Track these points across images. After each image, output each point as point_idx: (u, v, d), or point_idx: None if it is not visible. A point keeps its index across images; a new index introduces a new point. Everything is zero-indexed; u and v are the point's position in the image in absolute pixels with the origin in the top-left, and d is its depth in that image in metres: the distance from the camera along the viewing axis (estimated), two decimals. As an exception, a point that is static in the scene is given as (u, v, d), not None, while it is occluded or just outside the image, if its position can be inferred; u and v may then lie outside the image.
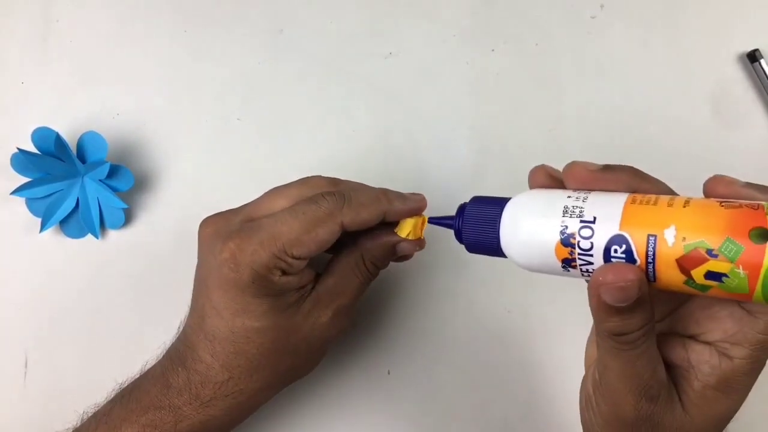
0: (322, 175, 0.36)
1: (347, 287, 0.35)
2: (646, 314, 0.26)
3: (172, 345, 0.36)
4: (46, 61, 0.46)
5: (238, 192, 0.45)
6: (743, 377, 0.26)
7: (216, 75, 0.46)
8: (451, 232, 0.33)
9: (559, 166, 0.45)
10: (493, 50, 0.47)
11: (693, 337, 0.28)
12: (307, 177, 0.36)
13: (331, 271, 0.35)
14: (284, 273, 0.33)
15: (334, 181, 0.36)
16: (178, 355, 0.34)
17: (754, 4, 0.47)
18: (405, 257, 0.37)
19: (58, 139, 0.41)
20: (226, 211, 0.35)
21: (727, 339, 0.26)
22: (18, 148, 0.42)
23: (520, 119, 0.46)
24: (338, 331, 0.36)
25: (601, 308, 0.26)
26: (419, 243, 0.36)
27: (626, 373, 0.27)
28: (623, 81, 0.46)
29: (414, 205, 0.35)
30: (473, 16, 0.47)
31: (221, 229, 0.34)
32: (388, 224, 0.35)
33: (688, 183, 0.45)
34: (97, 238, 0.44)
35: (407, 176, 0.45)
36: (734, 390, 0.27)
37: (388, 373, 0.43)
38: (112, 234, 0.45)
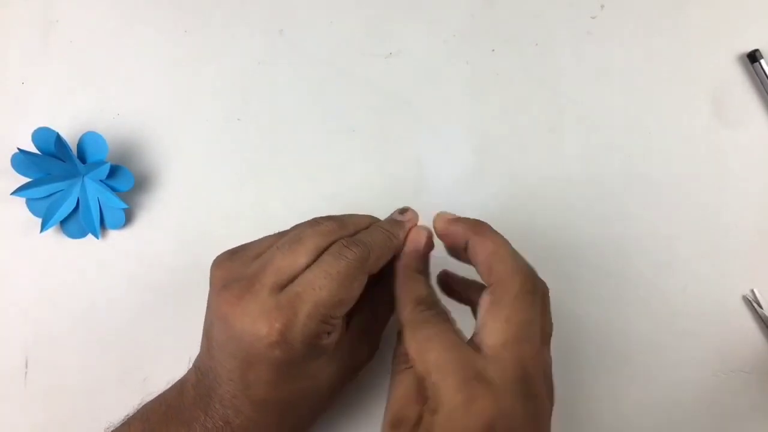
0: (323, 216, 0.35)
1: (357, 358, 0.36)
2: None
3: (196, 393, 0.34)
4: (46, 61, 0.46)
5: (238, 192, 0.45)
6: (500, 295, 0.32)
7: (216, 75, 0.46)
8: None
9: (559, 166, 0.45)
10: (493, 50, 0.47)
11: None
12: (315, 221, 0.34)
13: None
14: (329, 333, 0.32)
15: (341, 222, 0.34)
16: (198, 386, 0.33)
17: (754, 4, 0.47)
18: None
19: (59, 140, 0.41)
20: (238, 253, 0.34)
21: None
22: (18, 148, 0.42)
23: (520, 119, 0.46)
24: (345, 381, 0.36)
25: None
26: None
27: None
28: (623, 81, 0.46)
29: (408, 224, 0.36)
30: (473, 16, 0.47)
31: (250, 303, 0.31)
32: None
33: (689, 182, 0.45)
34: (97, 238, 0.44)
35: (407, 177, 0.45)
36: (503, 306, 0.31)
37: (389, 373, 0.43)
38: (112, 234, 0.45)
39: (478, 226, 0.34)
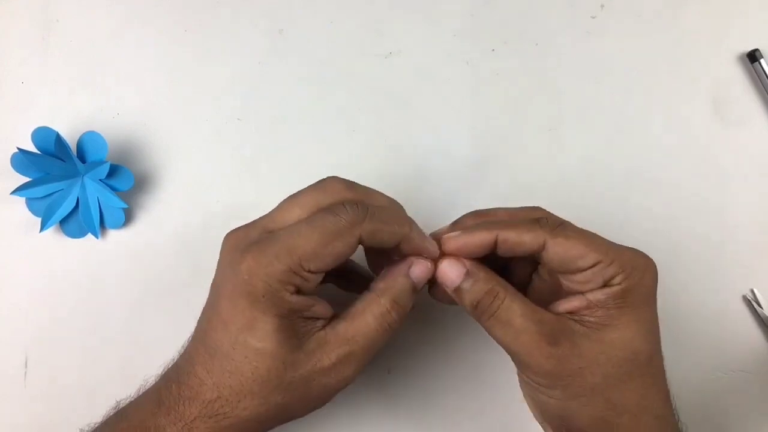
0: (336, 176, 0.34)
1: (359, 333, 0.32)
2: (482, 282, 0.33)
3: (173, 361, 0.35)
4: (46, 61, 0.46)
5: (238, 192, 0.45)
6: (634, 290, 0.32)
7: (216, 75, 0.46)
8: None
9: (559, 165, 0.45)
10: (493, 50, 0.47)
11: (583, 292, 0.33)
12: (324, 179, 0.34)
13: (345, 315, 0.33)
14: (298, 291, 0.31)
15: (352, 185, 0.34)
16: (176, 370, 0.34)
17: (754, 4, 0.47)
18: (441, 296, 0.35)
19: (58, 139, 0.41)
20: (247, 224, 0.34)
21: (601, 282, 0.32)
22: (18, 148, 0.42)
23: (520, 119, 0.46)
24: (340, 381, 0.33)
25: (455, 296, 0.34)
26: (432, 265, 0.34)
27: (513, 332, 0.32)
28: (623, 81, 0.46)
29: (430, 249, 0.33)
30: (473, 16, 0.47)
31: (240, 242, 0.32)
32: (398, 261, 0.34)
33: (688, 182, 0.45)
34: (97, 238, 0.44)
35: (407, 176, 0.45)
36: (635, 304, 0.32)
37: (388, 373, 0.43)
38: (112, 234, 0.45)
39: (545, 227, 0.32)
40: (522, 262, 0.36)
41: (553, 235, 0.32)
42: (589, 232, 0.33)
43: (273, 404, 0.32)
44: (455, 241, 0.33)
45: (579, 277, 0.32)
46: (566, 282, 0.33)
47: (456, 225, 0.35)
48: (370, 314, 0.33)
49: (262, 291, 0.30)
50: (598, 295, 0.32)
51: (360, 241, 0.32)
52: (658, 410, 0.33)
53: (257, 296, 0.30)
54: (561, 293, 0.34)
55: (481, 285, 0.32)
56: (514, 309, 0.32)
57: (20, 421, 0.43)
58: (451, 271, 0.33)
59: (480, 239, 0.33)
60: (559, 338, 0.31)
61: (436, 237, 0.34)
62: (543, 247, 0.32)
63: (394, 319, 0.33)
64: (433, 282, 0.34)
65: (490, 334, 0.33)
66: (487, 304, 0.32)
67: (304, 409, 0.34)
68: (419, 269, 0.34)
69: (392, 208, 0.34)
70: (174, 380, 0.33)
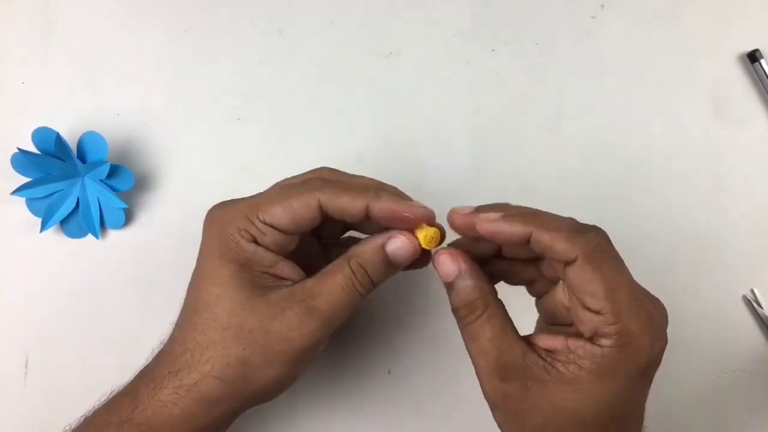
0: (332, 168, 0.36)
1: (326, 290, 0.32)
2: (467, 291, 0.32)
3: None
4: (46, 61, 0.46)
5: (238, 192, 0.45)
6: (615, 363, 0.29)
7: (216, 75, 0.46)
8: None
9: (559, 165, 0.45)
10: (493, 50, 0.47)
11: (576, 330, 0.31)
12: (316, 168, 0.35)
13: (316, 274, 0.33)
14: (254, 241, 0.32)
15: (334, 170, 0.35)
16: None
17: (754, 4, 0.47)
18: (411, 266, 0.34)
19: (59, 139, 0.41)
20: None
21: (594, 331, 0.29)
22: (18, 148, 0.42)
23: (520, 119, 0.46)
24: (303, 337, 0.31)
25: (446, 286, 0.33)
26: (416, 252, 0.33)
27: (476, 350, 0.31)
28: (623, 81, 0.46)
29: (405, 208, 0.32)
30: (473, 16, 0.47)
31: (218, 204, 0.34)
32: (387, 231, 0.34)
33: (688, 182, 0.45)
34: (97, 238, 0.44)
35: (407, 176, 0.45)
36: (607, 376, 0.29)
37: (389, 373, 0.43)
38: (112, 234, 0.45)
39: (570, 233, 0.30)
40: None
41: (588, 258, 0.29)
42: (622, 280, 0.30)
43: (234, 357, 0.31)
44: (489, 225, 0.31)
45: (580, 312, 0.30)
46: (573, 308, 0.31)
47: (487, 209, 0.33)
48: (339, 274, 0.32)
49: (218, 236, 0.32)
50: (579, 349, 0.30)
51: (322, 210, 0.32)
52: None
53: (216, 241, 0.32)
54: (569, 317, 0.33)
55: (465, 293, 0.32)
56: (485, 330, 0.31)
57: (20, 422, 0.43)
58: (445, 266, 0.33)
59: (515, 231, 0.30)
60: (511, 376, 0.30)
61: (458, 212, 0.33)
62: (573, 261, 0.29)
63: (359, 283, 0.33)
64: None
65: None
66: (464, 315, 0.32)
67: (267, 371, 0.32)
68: (395, 243, 0.33)
69: (362, 178, 0.34)
70: (158, 347, 0.34)
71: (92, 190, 0.44)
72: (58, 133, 0.41)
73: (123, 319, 0.44)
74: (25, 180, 0.43)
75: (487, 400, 0.32)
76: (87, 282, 0.44)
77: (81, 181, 0.44)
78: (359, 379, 0.43)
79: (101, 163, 0.42)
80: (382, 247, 0.33)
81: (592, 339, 0.30)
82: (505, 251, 0.34)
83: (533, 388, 0.30)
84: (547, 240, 0.30)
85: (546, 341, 0.31)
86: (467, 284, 0.32)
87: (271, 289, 0.32)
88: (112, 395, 0.35)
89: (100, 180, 0.43)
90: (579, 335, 0.30)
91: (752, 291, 0.44)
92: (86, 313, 0.44)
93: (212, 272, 0.32)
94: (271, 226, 0.32)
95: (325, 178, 0.33)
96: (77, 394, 0.43)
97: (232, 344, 0.31)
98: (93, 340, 0.43)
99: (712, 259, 0.44)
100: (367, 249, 0.33)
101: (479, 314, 0.31)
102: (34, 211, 0.44)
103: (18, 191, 0.43)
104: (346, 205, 0.32)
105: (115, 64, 0.46)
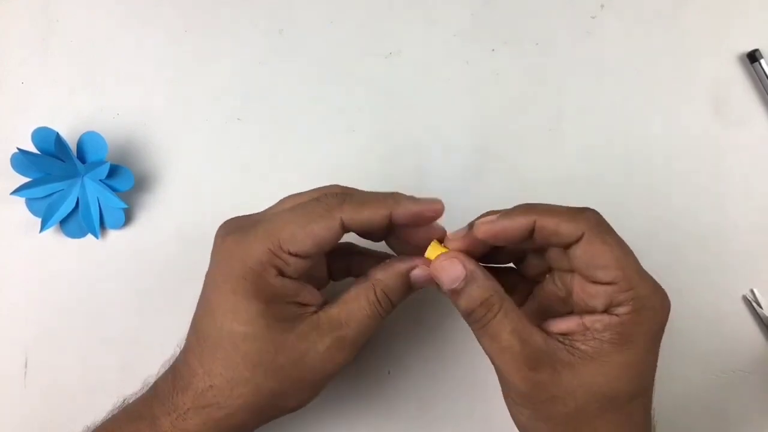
0: (332, 182, 0.35)
1: (352, 318, 0.32)
2: (480, 290, 0.31)
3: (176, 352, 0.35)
4: (46, 61, 0.46)
5: (238, 192, 0.45)
6: (634, 328, 0.30)
7: (216, 75, 0.46)
8: None
9: (559, 165, 0.45)
10: (493, 50, 0.47)
11: (585, 310, 0.32)
12: (324, 186, 0.34)
13: (338, 300, 0.33)
14: (280, 273, 0.31)
15: (346, 187, 0.34)
16: (174, 360, 0.34)
17: (754, 4, 0.47)
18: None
19: (58, 139, 0.41)
20: (242, 215, 0.35)
21: (609, 302, 0.30)
22: (18, 148, 0.42)
23: (520, 119, 0.46)
24: (334, 366, 0.32)
25: (450, 295, 0.32)
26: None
27: (498, 347, 0.30)
28: (623, 81, 0.46)
29: (426, 206, 0.32)
30: (473, 16, 0.47)
31: (228, 228, 0.33)
32: (405, 255, 0.34)
33: (688, 182, 0.45)
34: (97, 238, 0.44)
35: (407, 176, 0.45)
36: (629, 342, 0.30)
37: (388, 373, 0.43)
38: (112, 234, 0.45)
39: (574, 213, 0.31)
40: (536, 261, 0.35)
41: (594, 232, 0.30)
42: (627, 249, 0.31)
43: (266, 391, 0.32)
44: (491, 226, 0.31)
45: (590, 288, 0.31)
46: (578, 291, 0.32)
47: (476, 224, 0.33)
48: (365, 301, 0.33)
49: (242, 272, 0.30)
50: (596, 323, 0.30)
51: (344, 227, 0.31)
52: None
53: (238, 278, 0.31)
54: (565, 306, 0.33)
55: (478, 293, 0.31)
56: (504, 324, 0.30)
57: (20, 421, 0.43)
58: (450, 271, 0.31)
59: (518, 224, 0.31)
60: (540, 364, 0.30)
61: (454, 238, 0.33)
62: (579, 239, 0.30)
63: (384, 309, 0.33)
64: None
65: (477, 339, 0.32)
66: (481, 315, 0.31)
67: (298, 397, 0.33)
68: (421, 274, 0.33)
69: (375, 192, 0.33)
70: (170, 370, 0.33)
71: (92, 190, 0.44)
72: (57, 133, 0.41)
73: (123, 319, 0.44)
74: (25, 180, 0.43)
75: (516, 399, 0.32)
76: (87, 282, 0.44)
77: (81, 181, 0.44)
78: (359, 379, 0.43)
79: (101, 163, 0.42)
80: (407, 274, 0.33)
81: (607, 311, 0.30)
82: (483, 257, 0.34)
83: (563, 372, 0.30)
84: (551, 224, 0.30)
85: (559, 326, 0.32)
86: (480, 283, 0.31)
87: (298, 319, 0.32)
88: (116, 411, 0.35)
89: (100, 180, 0.43)
90: (591, 312, 0.31)
91: (752, 291, 0.44)
92: (86, 313, 0.44)
93: (236, 309, 0.31)
94: (296, 255, 0.31)
95: (341, 194, 0.32)
96: (77, 394, 0.43)
97: (263, 380, 0.31)
98: (93, 340, 0.43)
99: (712, 259, 0.44)
100: (391, 275, 0.33)
101: (497, 310, 0.31)
102: (34, 211, 0.44)
103: (18, 191, 0.43)
104: (369, 218, 0.31)
105: (115, 64, 0.46)
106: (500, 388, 0.34)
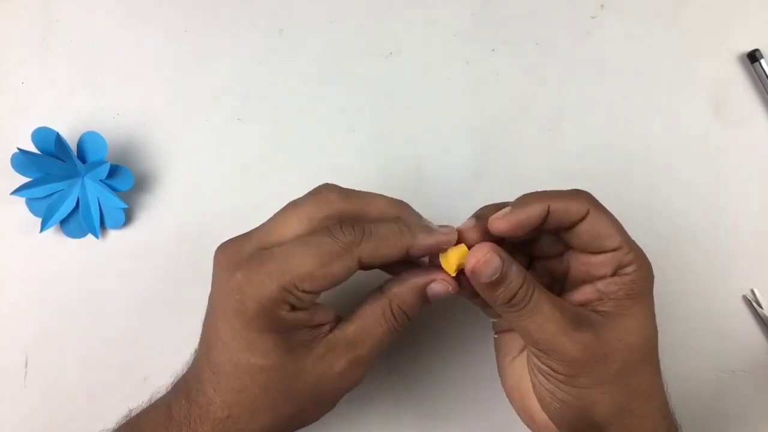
0: (332, 183, 0.34)
1: (368, 336, 0.32)
2: (519, 274, 0.31)
3: (182, 374, 0.34)
4: (46, 61, 0.46)
5: (238, 192, 0.45)
6: (642, 282, 0.33)
7: (216, 75, 0.46)
8: None
9: (559, 166, 0.45)
10: (493, 50, 0.47)
11: (589, 280, 0.34)
12: (319, 187, 0.33)
13: (353, 318, 0.33)
14: (293, 308, 0.31)
15: (347, 194, 0.33)
16: (185, 385, 0.33)
17: (754, 4, 0.47)
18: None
19: (58, 139, 0.41)
20: (241, 235, 0.33)
21: (617, 265, 0.33)
22: (18, 148, 0.42)
23: (520, 119, 0.46)
24: (351, 384, 0.33)
25: (485, 289, 0.31)
26: (453, 286, 0.33)
27: (540, 320, 0.31)
28: (623, 81, 0.46)
29: (442, 238, 0.32)
30: (473, 16, 0.47)
31: (232, 257, 0.31)
32: (418, 266, 0.34)
33: (688, 182, 0.45)
34: (97, 238, 0.44)
35: (407, 176, 0.45)
36: (642, 295, 0.33)
37: (389, 374, 0.43)
38: (112, 234, 0.45)
39: (571, 195, 0.33)
40: (519, 257, 0.35)
41: (595, 208, 0.33)
42: (616, 218, 0.34)
43: (285, 415, 0.32)
44: (508, 219, 0.32)
45: (597, 259, 0.33)
46: (578, 266, 0.34)
47: (481, 215, 0.34)
48: (380, 316, 0.33)
49: (255, 311, 0.30)
50: (610, 286, 0.33)
51: (361, 264, 0.31)
52: (663, 395, 0.34)
53: (252, 316, 0.30)
54: (565, 284, 0.35)
55: (519, 276, 0.31)
56: (543, 299, 0.31)
57: (20, 421, 0.43)
58: (489, 265, 0.31)
59: (536, 212, 0.32)
60: (583, 325, 0.31)
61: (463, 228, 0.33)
62: (585, 216, 0.32)
63: (400, 325, 0.33)
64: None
65: (514, 325, 0.32)
66: (522, 296, 0.31)
67: (316, 415, 0.34)
68: (439, 288, 0.33)
69: (389, 223, 0.32)
70: (184, 395, 0.33)
71: (92, 190, 0.44)
72: (58, 133, 0.41)
73: (123, 319, 0.44)
74: (25, 180, 0.43)
75: (570, 371, 0.32)
76: (87, 282, 0.44)
77: (81, 181, 0.44)
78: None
79: (101, 163, 0.42)
80: (424, 288, 0.33)
81: (616, 274, 0.33)
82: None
83: (602, 332, 0.32)
84: (562, 206, 0.32)
85: (577, 297, 0.34)
86: (516, 267, 0.31)
87: (314, 342, 0.32)
88: (123, 426, 0.34)
89: (100, 180, 0.43)
90: (602, 278, 0.33)
91: (752, 291, 0.44)
92: (86, 313, 0.44)
93: (251, 344, 0.30)
94: (311, 293, 0.31)
95: (357, 228, 0.31)
96: (77, 394, 0.43)
97: (284, 406, 0.32)
98: (93, 340, 0.43)
99: (712, 259, 0.45)
100: (406, 290, 0.33)
101: (534, 288, 0.32)
102: (34, 211, 0.44)
103: (18, 191, 0.43)
104: (387, 255, 0.31)
105: (115, 64, 0.46)
106: (533, 382, 0.34)
